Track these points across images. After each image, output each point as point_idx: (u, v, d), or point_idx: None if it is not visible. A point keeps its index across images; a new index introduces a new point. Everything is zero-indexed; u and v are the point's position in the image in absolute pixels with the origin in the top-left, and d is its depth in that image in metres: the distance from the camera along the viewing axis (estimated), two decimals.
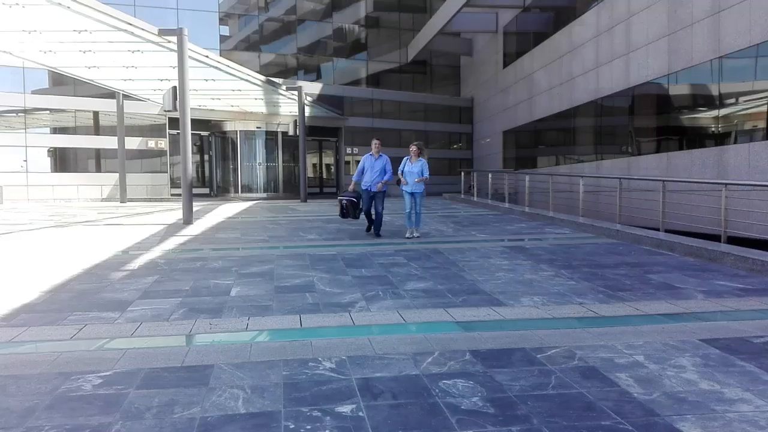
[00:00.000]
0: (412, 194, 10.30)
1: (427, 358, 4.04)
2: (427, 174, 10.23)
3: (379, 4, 32.79)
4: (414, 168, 10.21)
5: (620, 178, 11.60)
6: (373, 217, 10.59)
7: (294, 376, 3.72)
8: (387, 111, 31.20)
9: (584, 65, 18.89)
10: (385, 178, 10.26)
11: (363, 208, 10.52)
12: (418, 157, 10.25)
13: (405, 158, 10.44)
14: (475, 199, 19.45)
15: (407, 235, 10.43)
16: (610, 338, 4.50)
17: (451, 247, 9.33)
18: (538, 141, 23.92)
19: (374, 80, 32.55)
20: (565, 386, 3.55)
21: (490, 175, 19.09)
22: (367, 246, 9.38)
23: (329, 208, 17.65)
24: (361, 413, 3.16)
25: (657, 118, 15.75)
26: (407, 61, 32.83)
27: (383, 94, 31.39)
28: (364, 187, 10.43)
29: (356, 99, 30.55)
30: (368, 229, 10.89)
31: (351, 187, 10.84)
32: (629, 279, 6.77)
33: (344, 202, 10.41)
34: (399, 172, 10.39)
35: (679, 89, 14.74)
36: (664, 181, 10.38)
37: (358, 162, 31.43)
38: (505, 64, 26.34)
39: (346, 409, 3.22)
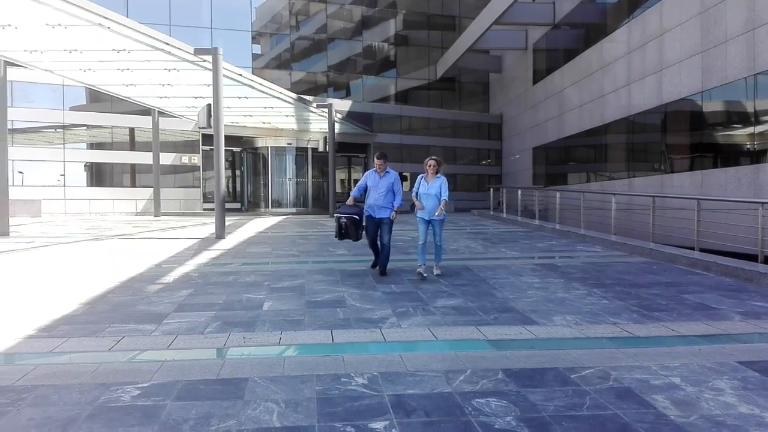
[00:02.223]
0: (429, 222, 8.14)
1: (460, 375, 4.04)
2: (446, 195, 8.02)
3: (408, 22, 33.12)
4: (431, 188, 8.04)
5: (654, 196, 11.44)
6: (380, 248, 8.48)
7: (327, 391, 3.75)
8: (415, 127, 31.38)
9: (615, 82, 18.75)
10: (395, 203, 8.16)
11: (367, 238, 8.41)
12: (436, 173, 8.13)
13: (420, 177, 8.26)
14: (505, 215, 19.35)
15: (419, 270, 8.00)
16: (645, 359, 4.44)
17: (481, 264, 9.29)
18: (569, 158, 23.74)
19: (403, 97, 32.78)
20: (600, 407, 3.51)
21: (519, 192, 18.99)
22: (396, 262, 9.39)
23: None
24: (394, 430, 3.18)
25: (690, 136, 15.52)
26: (436, 78, 33.02)
27: (412, 110, 31.59)
28: (367, 212, 8.30)
29: (385, 116, 30.80)
30: (374, 265, 8.58)
31: (350, 201, 8.38)
32: (664, 299, 6.66)
33: (343, 220, 8.15)
34: (413, 194, 8.20)
35: (713, 106, 14.53)
36: (699, 199, 10.21)
37: None
38: (535, 81, 26.29)
39: (379, 425, 3.24)
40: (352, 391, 3.76)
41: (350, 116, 27.83)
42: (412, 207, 8.21)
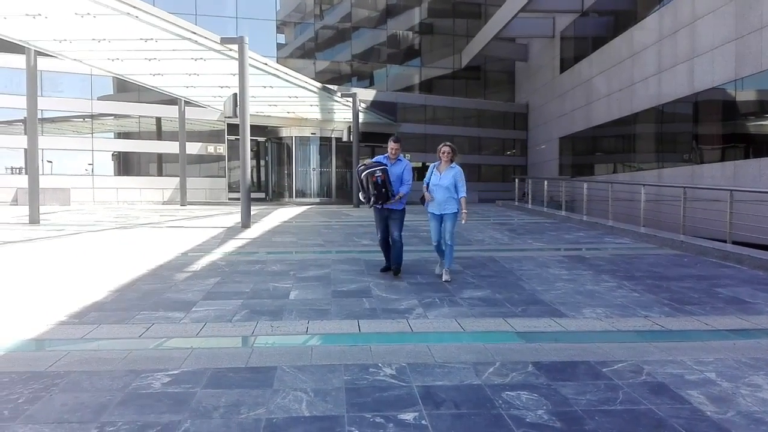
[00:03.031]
0: (440, 217, 7.18)
1: (489, 368, 4.00)
2: (463, 190, 7.05)
3: (433, 10, 32.82)
4: (444, 179, 7.05)
5: (685, 187, 11.20)
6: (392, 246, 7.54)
7: (355, 381, 3.75)
8: (440, 117, 31.17)
9: (645, 71, 18.35)
10: (402, 190, 7.15)
11: (378, 237, 7.58)
12: (451, 162, 7.16)
13: (432, 165, 7.32)
14: (530, 206, 19.14)
15: (437, 271, 7.49)
16: (678, 353, 4.35)
17: (507, 256, 9.20)
18: (596, 148, 23.37)
19: (427, 86, 32.57)
20: (633, 402, 3.45)
21: (546, 182, 18.75)
22: (421, 252, 9.35)
23: None
24: (424, 421, 3.16)
25: (722, 125, 15.14)
26: (461, 67, 32.71)
27: (436, 100, 31.38)
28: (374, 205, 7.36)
29: (409, 105, 30.65)
30: (385, 269, 7.65)
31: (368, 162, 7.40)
32: (696, 292, 6.52)
33: (378, 174, 6.92)
34: (424, 185, 7.28)
35: (746, 95, 14.14)
36: (731, 190, 9.96)
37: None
38: (562, 70, 25.88)
39: (408, 416, 3.23)
40: (380, 381, 3.75)
41: (374, 106, 27.75)
42: (423, 200, 7.25)
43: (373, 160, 7.35)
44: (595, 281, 7.15)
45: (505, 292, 6.51)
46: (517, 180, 22.72)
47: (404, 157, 7.65)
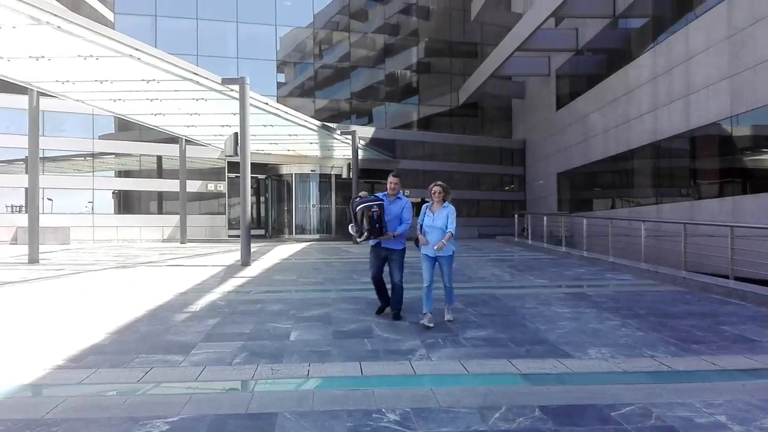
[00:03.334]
0: (435, 259, 6.81)
1: (494, 413, 3.92)
2: (452, 226, 6.72)
3: (430, 50, 33.43)
4: (437, 219, 6.75)
5: (685, 223, 11.20)
6: (389, 289, 7.25)
7: (359, 428, 3.66)
8: (438, 153, 31.43)
9: (641, 107, 18.59)
10: (399, 229, 6.88)
11: (371, 274, 7.22)
12: (443, 202, 6.86)
13: (425, 206, 6.97)
14: (530, 242, 19.12)
15: (423, 321, 6.63)
16: (687, 395, 4.27)
17: (508, 293, 9.14)
18: (594, 183, 23.48)
19: (425, 123, 32.93)
20: None
21: (545, 218, 18.78)
22: (419, 291, 9.26)
23: None
24: None
25: (720, 161, 15.25)
26: (458, 105, 33.13)
27: (434, 136, 31.70)
28: (371, 243, 7.14)
29: (408, 142, 30.95)
30: (380, 311, 7.31)
31: (363, 194, 7.26)
32: (701, 330, 6.44)
33: (375, 209, 6.75)
34: (418, 227, 6.99)
35: (743, 131, 14.29)
36: (732, 226, 9.96)
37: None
38: (558, 107, 26.21)
39: None
40: (384, 428, 3.67)
41: (373, 143, 28.00)
42: (417, 242, 6.93)
43: (373, 196, 7.04)
44: (599, 319, 7.08)
45: (509, 331, 6.43)
46: (516, 215, 22.76)
47: (403, 194, 7.35)
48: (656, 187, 18.31)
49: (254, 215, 27.71)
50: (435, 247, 6.65)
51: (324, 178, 27.67)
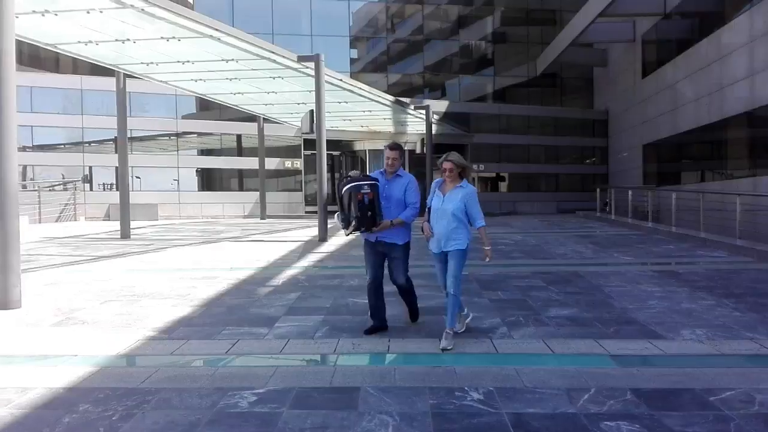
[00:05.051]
0: (444, 255, 5.13)
1: (583, 394, 3.77)
2: (481, 218, 5.02)
3: (506, 19, 32.36)
4: (448, 202, 5.03)
5: None
6: (399, 292, 5.68)
7: (442, 406, 3.62)
8: (514, 126, 30.57)
9: (736, 74, 17.24)
10: (403, 215, 5.25)
11: (367, 279, 5.53)
12: (460, 181, 5.11)
13: (434, 183, 5.29)
14: (613, 217, 18.36)
15: (443, 345, 4.83)
16: None
17: (592, 271, 8.80)
18: (683, 155, 22.17)
19: (501, 95, 32.04)
20: None
21: (630, 192, 17.93)
22: (500, 267, 9.10)
23: None
24: None
25: None
26: (536, 75, 31.99)
27: (510, 109, 30.82)
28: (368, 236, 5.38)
29: (482, 115, 30.26)
30: (371, 330, 5.42)
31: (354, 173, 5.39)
32: None
33: (366, 191, 5.07)
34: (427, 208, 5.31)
35: None
36: None
37: (483, 179, 31.20)
38: (645, 74, 24.78)
39: None
40: (468, 407, 3.61)
41: (447, 117, 27.60)
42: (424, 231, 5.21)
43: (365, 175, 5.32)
44: (692, 299, 6.69)
45: (594, 310, 6.18)
46: (598, 189, 21.87)
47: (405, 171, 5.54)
48: (752, 158, 17.03)
49: (330, 191, 28.10)
50: (487, 259, 5.07)
51: None
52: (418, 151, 25.33)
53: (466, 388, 3.90)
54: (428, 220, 5.17)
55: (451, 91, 31.73)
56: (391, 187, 5.30)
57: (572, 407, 3.57)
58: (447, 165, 5.03)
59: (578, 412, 3.49)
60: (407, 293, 5.65)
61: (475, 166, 29.00)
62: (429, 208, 5.21)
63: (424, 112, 22.55)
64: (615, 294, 7.03)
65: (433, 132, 23.96)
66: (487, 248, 5.07)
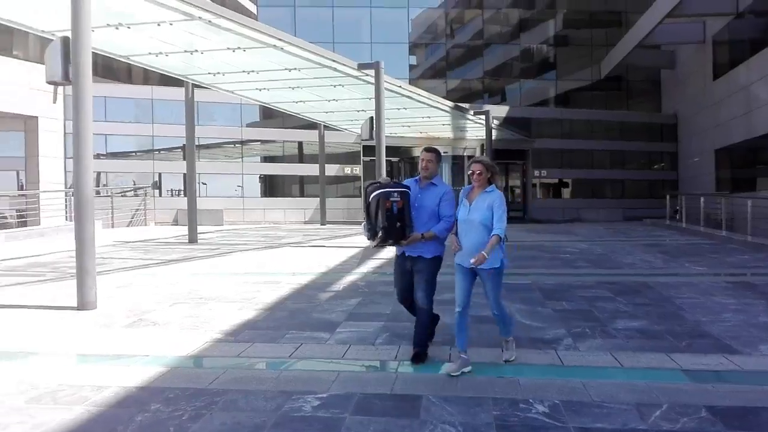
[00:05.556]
0: (474, 273, 4.64)
1: (655, 411, 3.63)
2: (502, 225, 4.45)
3: (569, 21, 31.68)
4: (475, 212, 4.54)
5: None
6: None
7: (505, 418, 3.56)
8: (577, 131, 29.82)
9: None
10: (435, 229, 4.72)
11: (396, 291, 5.17)
12: (487, 185, 4.61)
13: (463, 190, 4.72)
14: (684, 225, 17.61)
15: (448, 370, 4.46)
16: None
17: (662, 281, 8.47)
18: (758, 160, 21.04)
19: (563, 100, 31.35)
20: None
21: (702, 199, 17.15)
22: (563, 276, 8.89)
23: (516, 232, 17.21)
24: None
25: None
26: (600, 78, 31.12)
27: (574, 113, 30.11)
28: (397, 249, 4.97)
29: (544, 120, 29.69)
30: (415, 359, 4.75)
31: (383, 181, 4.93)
32: None
33: (395, 199, 4.61)
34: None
35: None
36: None
37: (545, 185, 30.55)
38: (716, 76, 23.70)
39: None
40: (532, 419, 3.54)
41: (507, 122, 27.23)
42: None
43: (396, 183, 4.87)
44: None
45: (665, 323, 5.94)
46: (668, 196, 21.03)
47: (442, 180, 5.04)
48: None
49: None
50: (472, 261, 4.39)
51: (456, 160, 27.44)
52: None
53: (530, 400, 3.83)
54: (456, 233, 4.68)
55: (512, 95, 31.31)
56: (424, 196, 4.78)
57: (643, 423, 3.44)
58: (476, 167, 4.56)
59: (650, 429, 3.36)
60: (421, 321, 4.86)
61: (536, 172, 28.49)
62: (456, 220, 4.70)
63: (483, 117, 22.34)
64: (687, 306, 6.73)
65: (493, 137, 23.68)
66: (483, 253, 4.33)
